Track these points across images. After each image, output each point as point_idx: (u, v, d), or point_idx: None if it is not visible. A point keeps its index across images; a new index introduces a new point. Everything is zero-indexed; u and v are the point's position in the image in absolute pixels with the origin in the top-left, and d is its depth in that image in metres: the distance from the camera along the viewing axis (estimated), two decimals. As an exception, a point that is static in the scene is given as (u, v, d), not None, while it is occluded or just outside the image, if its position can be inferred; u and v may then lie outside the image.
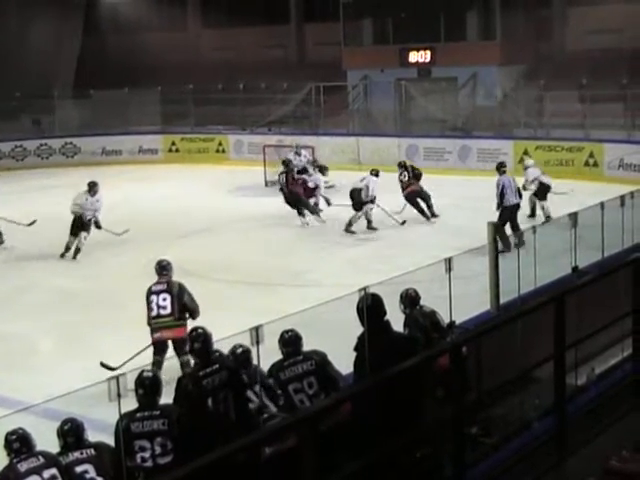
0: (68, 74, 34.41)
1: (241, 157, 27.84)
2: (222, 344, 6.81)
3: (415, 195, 18.80)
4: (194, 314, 10.42)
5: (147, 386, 6.36)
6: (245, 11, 33.73)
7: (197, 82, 30.31)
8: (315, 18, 34.29)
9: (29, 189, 23.87)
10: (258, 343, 6.10)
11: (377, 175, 18.34)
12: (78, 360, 11.16)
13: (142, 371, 6.27)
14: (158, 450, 6.24)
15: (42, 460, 5.90)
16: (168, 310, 10.40)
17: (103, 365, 10.25)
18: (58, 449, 6.15)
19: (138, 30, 35.09)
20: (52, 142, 30.04)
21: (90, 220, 17.17)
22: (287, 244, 17.26)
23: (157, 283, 10.64)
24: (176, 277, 10.80)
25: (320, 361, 7.07)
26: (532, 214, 18.04)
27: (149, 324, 10.49)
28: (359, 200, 18.03)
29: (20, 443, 6.01)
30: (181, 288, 10.52)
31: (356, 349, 6.61)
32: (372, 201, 18.04)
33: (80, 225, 17.03)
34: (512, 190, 16.12)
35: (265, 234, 18.33)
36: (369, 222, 18.04)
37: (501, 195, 16.03)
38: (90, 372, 10.10)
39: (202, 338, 6.92)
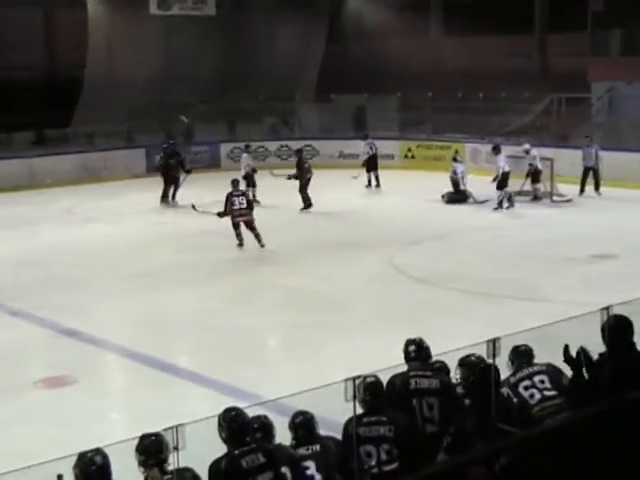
0: (311, 78, 35.25)
1: (478, 166, 27.59)
2: (457, 354, 6.71)
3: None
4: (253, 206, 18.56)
5: (372, 391, 6.34)
6: (487, 19, 33.31)
7: (436, 89, 30.27)
8: (560, 28, 33.47)
9: (265, 189, 24.54)
10: (494, 356, 5.99)
11: None
12: (303, 360, 11.41)
13: (366, 376, 6.25)
14: (384, 457, 6.23)
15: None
16: (244, 205, 18.14)
17: (193, 207, 19.52)
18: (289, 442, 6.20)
19: (380, 36, 35.39)
20: (292, 144, 30.81)
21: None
22: (518, 256, 16.93)
23: (235, 191, 18.38)
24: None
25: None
26: None
27: (232, 213, 18.03)
28: None
29: (262, 432, 6.00)
30: (246, 194, 19.04)
31: (574, 367, 6.36)
32: None
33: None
34: None
35: (498, 245, 18.08)
36: None
37: None
38: (314, 372, 10.35)
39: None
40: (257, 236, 18.10)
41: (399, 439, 6.23)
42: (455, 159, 23.87)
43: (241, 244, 18.25)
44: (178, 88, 30.84)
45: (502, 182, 22.07)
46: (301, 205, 22.28)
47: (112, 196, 25.08)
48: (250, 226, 18.16)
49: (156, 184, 23.87)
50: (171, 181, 23.54)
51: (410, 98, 30.25)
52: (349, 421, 6.16)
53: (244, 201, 18.29)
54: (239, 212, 18.09)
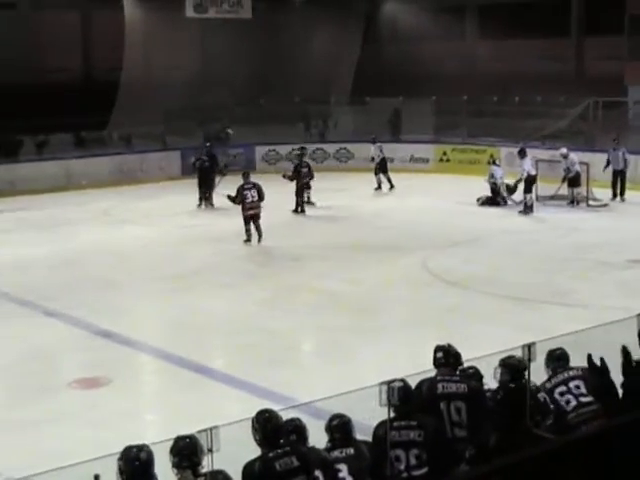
0: (346, 81, 35.26)
1: (513, 170, 27.43)
2: (491, 359, 6.69)
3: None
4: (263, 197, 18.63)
5: (401, 396, 6.32)
6: (523, 23, 33.21)
7: (471, 93, 30.17)
8: (596, 31, 33.25)
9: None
10: (530, 360, 5.97)
11: None
12: (336, 363, 11.43)
13: (393, 381, 6.23)
14: (413, 461, 6.21)
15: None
16: (256, 198, 18.50)
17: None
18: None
19: (415, 39, 35.34)
20: (327, 147, 30.92)
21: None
22: (553, 261, 16.83)
23: (246, 184, 18.67)
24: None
25: None
26: None
27: (244, 206, 18.46)
28: None
29: (296, 435, 6.00)
30: (257, 185, 18.80)
31: (625, 373, 6.33)
32: None
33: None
34: None
35: (533, 249, 17.98)
36: None
37: None
38: (346, 375, 10.36)
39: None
40: (258, 229, 18.62)
41: (428, 443, 6.22)
42: (494, 162, 23.71)
43: (249, 240, 18.66)
44: (214, 91, 30.96)
45: (528, 186, 21.99)
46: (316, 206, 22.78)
47: (148, 198, 25.23)
48: (256, 220, 18.62)
49: (191, 186, 23.97)
50: (206, 183, 23.61)
51: (445, 101, 30.17)
52: (379, 425, 6.16)
53: (256, 194, 18.64)
54: (251, 205, 18.57)
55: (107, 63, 32.80)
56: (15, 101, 26.36)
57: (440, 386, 6.67)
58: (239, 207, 18.85)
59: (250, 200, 18.53)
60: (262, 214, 18.86)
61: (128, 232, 20.82)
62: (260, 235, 18.68)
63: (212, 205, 23.46)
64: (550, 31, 33.63)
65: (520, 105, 29.63)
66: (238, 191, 18.70)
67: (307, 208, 22.48)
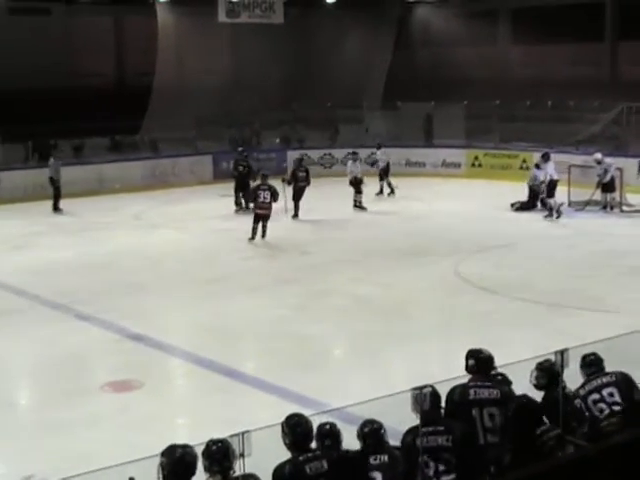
0: (378, 86, 35.23)
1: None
2: (524, 365, 6.66)
3: None
4: (277, 199, 19.69)
5: (430, 401, 6.30)
6: (556, 28, 33.02)
7: (504, 98, 30.05)
8: (631, 36, 33.01)
9: (333, 196, 24.65)
10: (563, 367, 5.93)
11: None
12: (367, 368, 11.38)
13: (423, 387, 6.20)
14: (442, 467, 6.18)
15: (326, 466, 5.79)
16: (268, 200, 19.32)
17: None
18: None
19: (448, 44, 35.24)
20: (359, 151, 30.81)
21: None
22: (587, 266, 16.72)
23: (262, 185, 19.60)
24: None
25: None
26: None
27: (256, 204, 19.62)
28: None
29: (331, 440, 5.98)
30: (272, 188, 19.63)
31: None
32: None
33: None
34: None
35: (566, 254, 17.87)
36: None
37: None
38: (378, 380, 10.35)
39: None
40: (264, 229, 19.51)
41: (457, 449, 6.19)
42: (537, 166, 23.09)
43: (253, 237, 19.50)
44: (245, 95, 31.01)
45: (551, 190, 21.90)
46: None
47: (179, 202, 25.33)
48: (265, 220, 19.51)
49: (223, 190, 24.02)
50: (242, 188, 23.57)
51: (477, 106, 30.05)
52: (407, 432, 6.13)
53: (269, 196, 19.51)
54: (262, 205, 19.51)
55: (140, 68, 33.02)
56: (49, 105, 26.61)
57: (472, 392, 6.64)
58: (273, 215, 19.79)
59: (262, 200, 19.45)
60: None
61: (160, 236, 20.91)
62: (264, 234, 19.49)
63: (248, 209, 23.50)
64: (584, 35, 33.38)
65: (553, 110, 29.50)
66: (254, 190, 20.04)
67: (352, 212, 22.78)
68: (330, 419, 6.23)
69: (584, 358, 6.89)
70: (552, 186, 21.87)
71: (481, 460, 6.34)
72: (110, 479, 5.18)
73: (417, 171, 29.49)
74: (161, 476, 5.31)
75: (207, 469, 5.49)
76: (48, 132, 26.80)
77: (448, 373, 6.60)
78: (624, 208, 22.42)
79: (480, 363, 6.86)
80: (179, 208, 24.60)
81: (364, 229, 21.17)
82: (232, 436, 5.36)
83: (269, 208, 19.50)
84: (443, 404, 6.44)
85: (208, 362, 11.79)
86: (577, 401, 6.69)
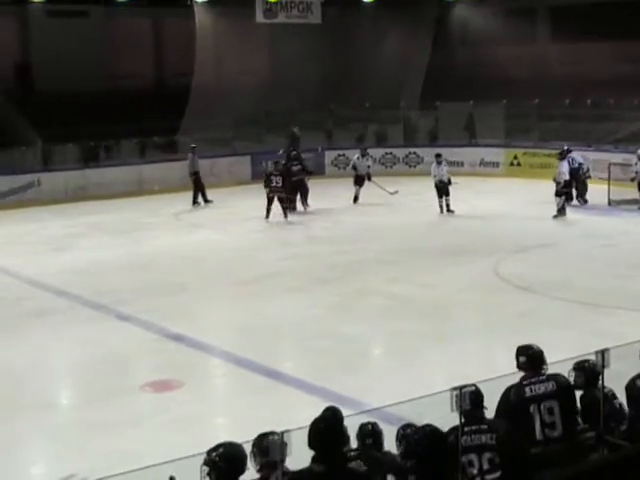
0: (416, 85, 35.13)
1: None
2: (563, 365, 6.62)
3: None
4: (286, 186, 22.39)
5: (472, 400, 6.25)
6: (596, 25, 32.73)
7: (543, 97, 29.86)
8: (672, 32, 32.70)
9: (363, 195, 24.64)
10: (604, 367, 5.89)
11: None
12: (406, 368, 11.38)
13: (464, 386, 6.17)
14: (486, 466, 6.14)
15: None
16: (280, 184, 22.07)
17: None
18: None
19: (486, 43, 35.03)
20: (396, 151, 30.86)
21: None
22: (627, 266, 16.58)
23: (275, 170, 22.59)
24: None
25: None
26: None
27: (269, 189, 22.18)
28: None
29: (372, 439, 5.98)
30: (284, 173, 22.44)
31: None
32: None
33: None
34: None
35: (606, 254, 17.75)
36: None
37: None
38: (417, 380, 10.33)
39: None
40: (285, 210, 22.30)
41: (501, 447, 6.14)
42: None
43: (267, 216, 22.06)
44: (283, 96, 31.06)
45: (561, 189, 21.89)
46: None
47: (218, 202, 25.42)
48: (281, 202, 22.21)
49: (261, 191, 24.07)
50: (296, 187, 23.53)
51: (516, 105, 29.89)
52: (448, 432, 6.09)
53: (280, 181, 22.25)
54: (273, 189, 22.23)
55: (178, 69, 33.19)
56: (89, 107, 26.83)
57: (528, 389, 6.57)
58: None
59: (274, 185, 22.27)
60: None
61: (199, 236, 21.04)
62: (285, 215, 22.23)
63: (307, 208, 23.69)
64: (623, 33, 33.02)
65: (593, 108, 29.26)
66: (267, 175, 22.77)
67: (390, 212, 22.53)
68: (369, 419, 6.23)
69: None
70: (566, 184, 22.03)
71: (524, 457, 6.28)
72: (150, 478, 5.21)
73: (455, 170, 29.17)
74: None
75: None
76: (87, 134, 27.03)
77: (488, 373, 6.56)
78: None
79: (531, 359, 6.79)
80: (218, 208, 24.70)
81: (400, 229, 21.11)
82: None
83: (282, 191, 22.29)
84: (496, 405, 6.40)
85: (247, 362, 11.84)
86: (617, 401, 6.63)
